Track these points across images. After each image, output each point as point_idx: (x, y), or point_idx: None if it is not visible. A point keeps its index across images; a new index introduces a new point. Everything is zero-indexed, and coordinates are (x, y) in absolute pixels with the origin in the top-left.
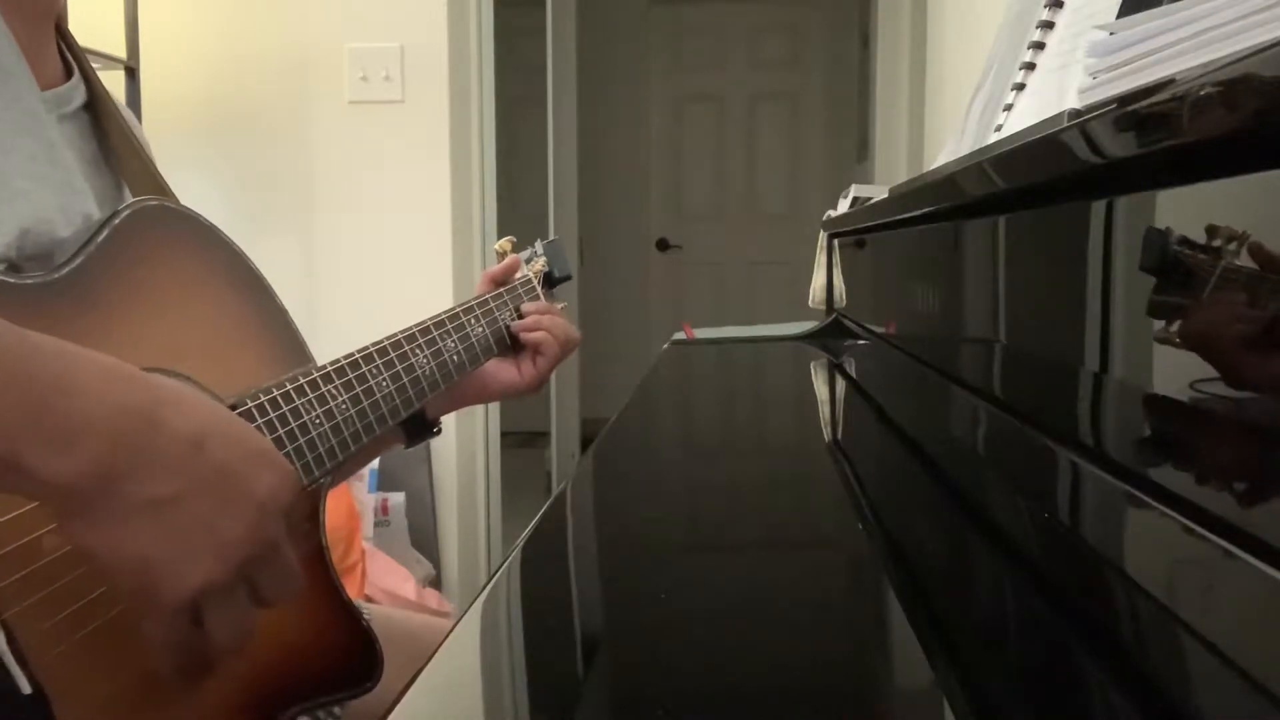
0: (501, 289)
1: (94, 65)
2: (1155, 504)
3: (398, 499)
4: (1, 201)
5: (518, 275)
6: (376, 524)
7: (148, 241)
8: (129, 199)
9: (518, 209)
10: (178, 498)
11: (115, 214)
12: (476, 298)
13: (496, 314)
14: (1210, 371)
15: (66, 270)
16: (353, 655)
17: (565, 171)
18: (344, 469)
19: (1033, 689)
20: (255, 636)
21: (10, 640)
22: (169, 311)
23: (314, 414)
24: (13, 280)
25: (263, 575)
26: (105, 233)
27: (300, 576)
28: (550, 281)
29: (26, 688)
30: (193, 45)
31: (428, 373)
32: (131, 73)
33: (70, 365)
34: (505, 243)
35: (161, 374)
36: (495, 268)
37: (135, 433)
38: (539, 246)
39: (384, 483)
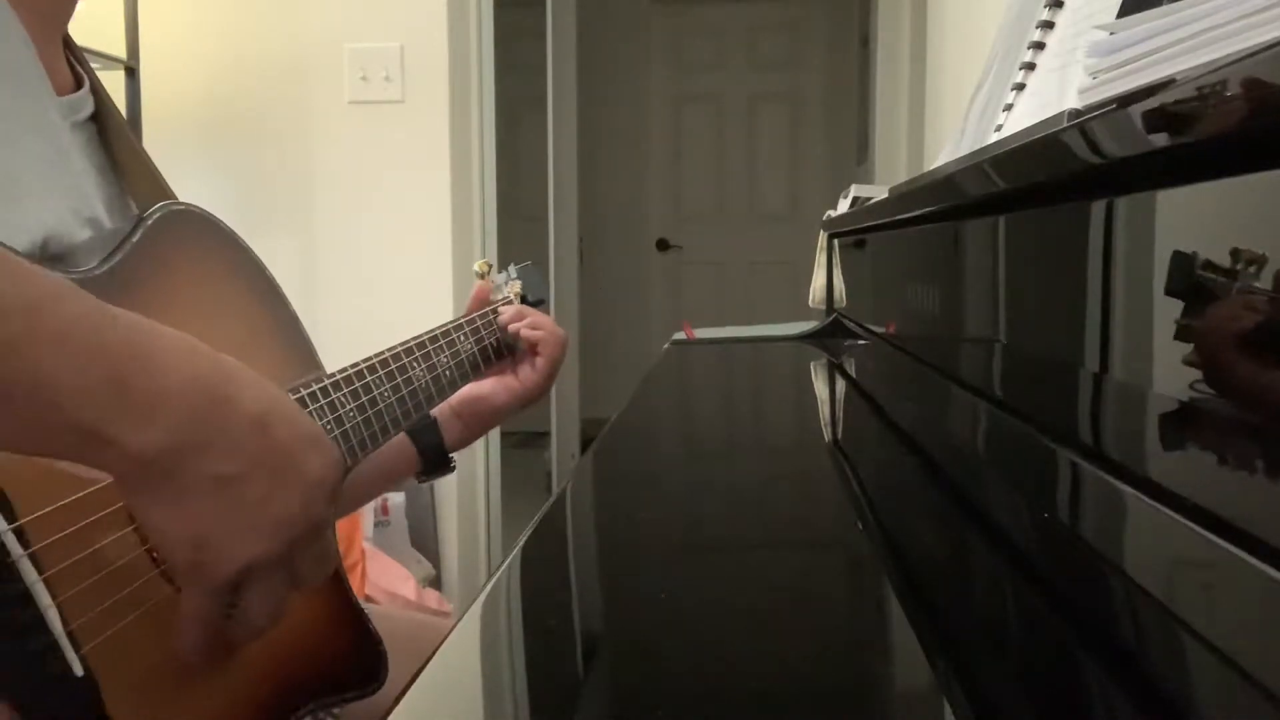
0: (486, 308)
1: (94, 65)
2: (1155, 504)
3: (398, 499)
4: (13, 199)
5: (500, 296)
6: (376, 524)
7: (177, 243)
8: (134, 210)
9: (518, 209)
10: (240, 476)
11: (147, 215)
12: (464, 316)
13: (483, 332)
14: (1210, 371)
15: (106, 267)
16: (361, 656)
17: (565, 171)
18: (355, 496)
19: (1032, 688)
20: (279, 623)
21: (63, 623)
22: (193, 313)
23: (325, 420)
24: (59, 273)
25: (305, 555)
26: (140, 233)
27: (337, 558)
28: (525, 305)
29: (79, 670)
30: (193, 46)
31: (424, 385)
32: (131, 73)
33: (147, 336)
34: (483, 264)
35: None
36: (480, 285)
37: (208, 408)
38: (513, 270)
39: None
